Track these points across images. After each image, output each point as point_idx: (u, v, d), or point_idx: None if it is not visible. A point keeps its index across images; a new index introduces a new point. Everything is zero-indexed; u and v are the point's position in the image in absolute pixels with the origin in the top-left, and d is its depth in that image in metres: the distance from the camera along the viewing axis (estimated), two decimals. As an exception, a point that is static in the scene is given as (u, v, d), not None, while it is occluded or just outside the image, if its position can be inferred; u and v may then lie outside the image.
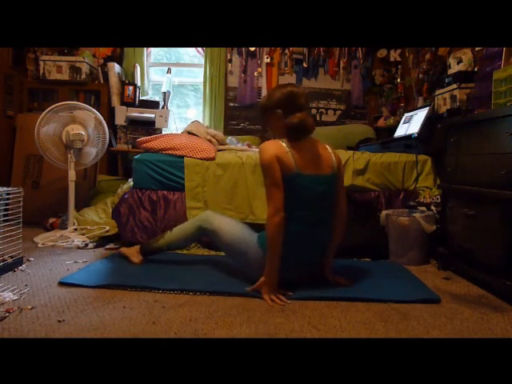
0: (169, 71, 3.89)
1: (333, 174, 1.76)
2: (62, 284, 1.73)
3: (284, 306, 1.55)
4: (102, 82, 3.86)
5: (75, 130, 2.61)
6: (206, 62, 4.03)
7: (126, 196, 2.61)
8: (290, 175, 1.65)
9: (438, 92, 2.90)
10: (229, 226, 1.90)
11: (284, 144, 1.68)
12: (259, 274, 1.65)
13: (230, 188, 2.51)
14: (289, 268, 1.66)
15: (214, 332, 1.31)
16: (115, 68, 3.80)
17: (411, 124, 2.92)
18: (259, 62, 4.11)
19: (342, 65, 4.10)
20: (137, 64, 3.96)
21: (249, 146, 3.19)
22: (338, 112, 4.17)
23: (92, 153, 2.76)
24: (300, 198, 1.67)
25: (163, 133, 3.61)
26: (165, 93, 3.84)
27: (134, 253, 2.11)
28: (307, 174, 1.68)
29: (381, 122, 3.76)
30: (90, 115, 2.72)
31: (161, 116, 3.67)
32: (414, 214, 2.20)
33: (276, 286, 1.63)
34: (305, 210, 1.68)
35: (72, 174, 2.66)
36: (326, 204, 1.75)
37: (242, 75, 4.12)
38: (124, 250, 2.17)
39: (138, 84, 3.91)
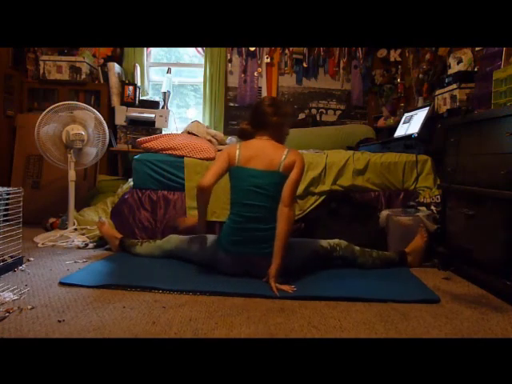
0: (169, 71, 3.89)
1: (274, 172, 1.83)
2: (62, 284, 1.73)
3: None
4: (102, 81, 3.85)
5: (75, 130, 2.61)
6: (205, 62, 4.03)
7: (126, 196, 2.61)
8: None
9: (438, 92, 2.90)
10: (190, 237, 2.09)
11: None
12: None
13: (230, 188, 2.51)
14: (224, 258, 1.87)
15: (213, 332, 1.31)
16: (115, 68, 3.79)
17: (411, 124, 2.92)
18: (259, 62, 4.11)
19: (342, 65, 4.10)
20: (137, 64, 3.96)
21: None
22: (338, 112, 4.16)
23: (92, 153, 2.75)
24: (237, 187, 1.90)
25: (163, 133, 3.60)
26: (165, 93, 3.83)
27: (113, 241, 2.29)
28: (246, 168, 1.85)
29: (381, 122, 3.76)
30: (90, 115, 2.72)
31: (161, 116, 3.67)
32: (417, 214, 2.20)
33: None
34: (240, 202, 1.86)
35: (72, 174, 2.66)
36: (262, 198, 1.82)
37: (242, 75, 4.12)
38: (106, 232, 2.33)
39: (138, 84, 3.91)
